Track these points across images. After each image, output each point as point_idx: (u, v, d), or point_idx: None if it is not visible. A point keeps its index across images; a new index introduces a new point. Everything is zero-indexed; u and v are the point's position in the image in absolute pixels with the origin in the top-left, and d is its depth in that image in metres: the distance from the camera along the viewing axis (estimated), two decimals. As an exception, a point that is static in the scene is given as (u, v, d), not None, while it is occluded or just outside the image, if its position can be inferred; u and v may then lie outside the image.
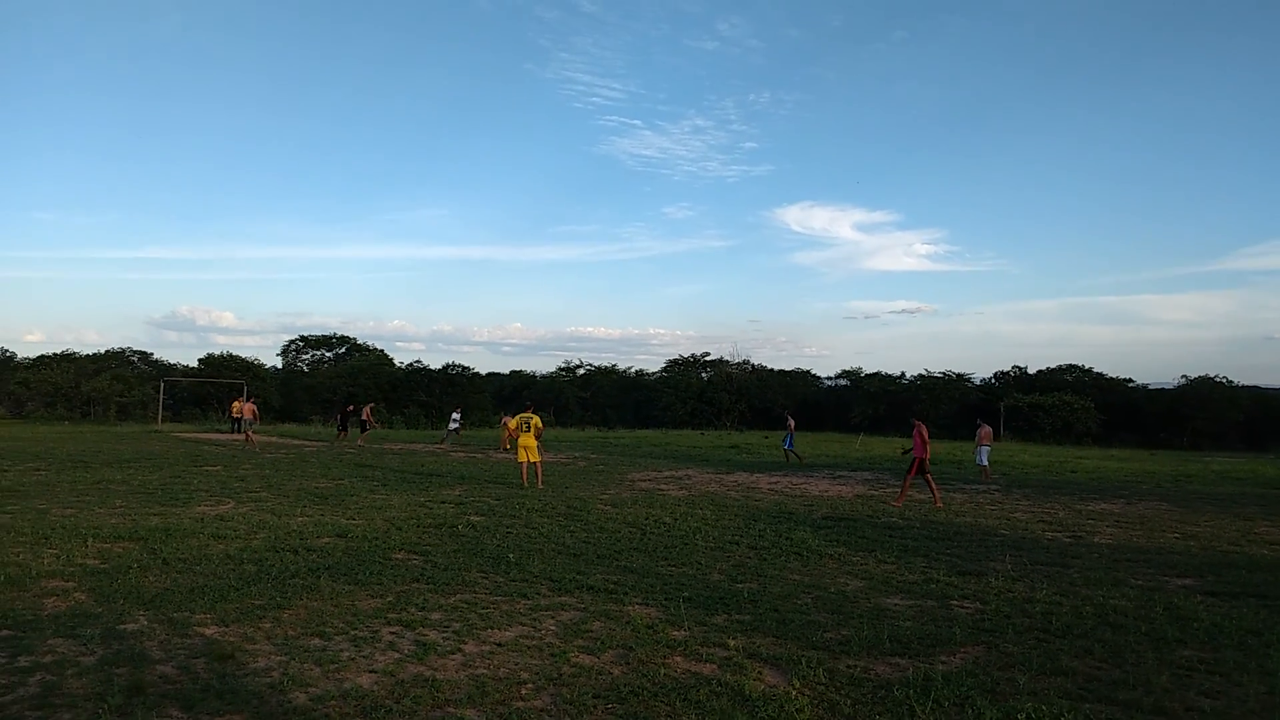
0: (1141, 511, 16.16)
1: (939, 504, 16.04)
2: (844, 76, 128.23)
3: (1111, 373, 66.99)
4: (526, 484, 17.49)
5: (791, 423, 29.46)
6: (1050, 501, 17.57)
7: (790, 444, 28.37)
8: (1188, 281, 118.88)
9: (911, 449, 16.69)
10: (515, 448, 18.35)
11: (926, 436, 16.66)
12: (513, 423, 18.36)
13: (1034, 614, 7.66)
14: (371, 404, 40.13)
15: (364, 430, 34.25)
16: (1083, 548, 11.68)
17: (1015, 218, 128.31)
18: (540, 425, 18.28)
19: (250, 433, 31.09)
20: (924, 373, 68.81)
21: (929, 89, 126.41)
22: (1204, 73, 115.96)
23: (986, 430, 24.10)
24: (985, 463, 23.39)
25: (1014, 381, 67.23)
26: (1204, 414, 58.98)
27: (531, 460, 17.75)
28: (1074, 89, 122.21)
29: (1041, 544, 11.91)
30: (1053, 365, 68.31)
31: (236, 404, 38.75)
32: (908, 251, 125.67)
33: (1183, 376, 63.02)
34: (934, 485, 16.62)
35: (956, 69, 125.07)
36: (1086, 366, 67.45)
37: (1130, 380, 66.09)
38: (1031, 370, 68.29)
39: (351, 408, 35.70)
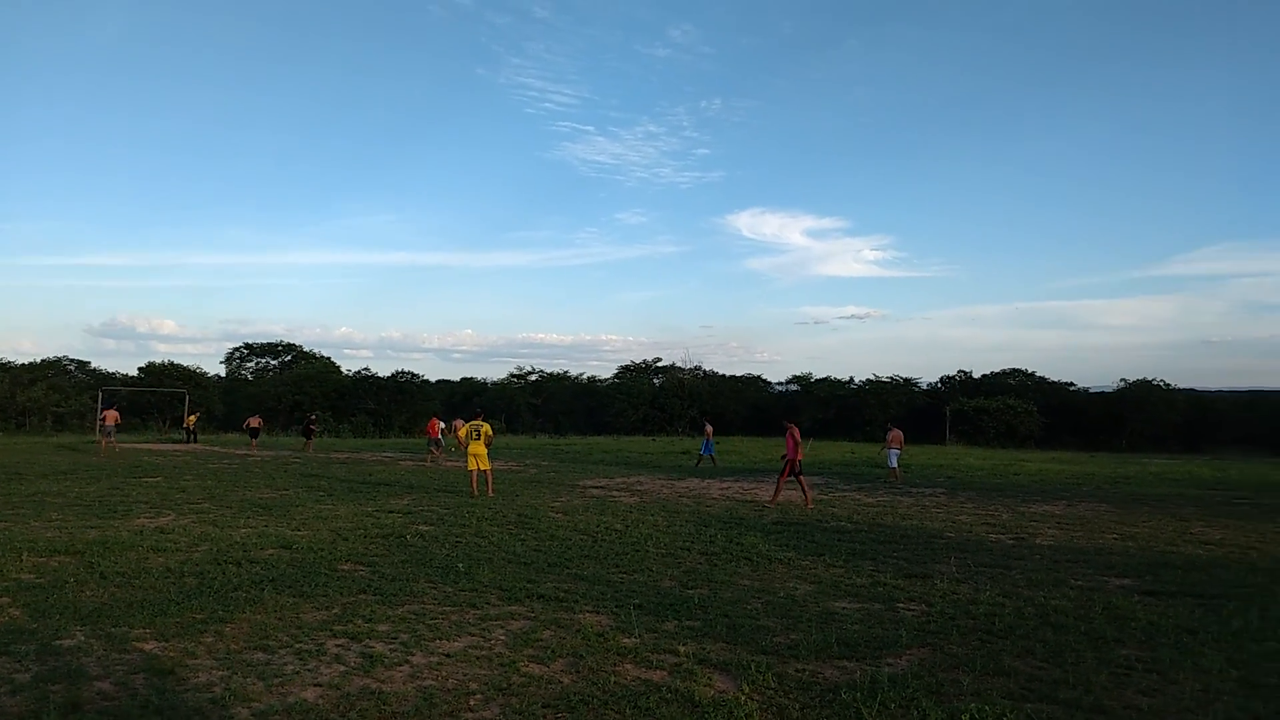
0: (1082, 513, 16.52)
1: (810, 505, 16.56)
2: (795, 84, 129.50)
3: (1054, 377, 68.39)
4: (476, 493, 17.36)
5: (709, 429, 30.22)
6: (994, 504, 17.88)
7: (709, 449, 28.94)
8: (1129, 287, 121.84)
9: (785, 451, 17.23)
10: (465, 455, 18.23)
11: (799, 438, 17.17)
12: (463, 430, 18.24)
13: (978, 615, 7.78)
14: (314, 413, 39.80)
15: (308, 439, 33.91)
16: (1025, 549, 11.91)
17: (962, 225, 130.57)
18: (490, 433, 18.18)
19: (106, 440, 31.22)
20: (872, 377, 69.55)
21: (879, 97, 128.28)
22: (1146, 80, 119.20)
23: (896, 433, 24.96)
24: (895, 465, 24.28)
25: (960, 386, 68.25)
26: (1142, 416, 60.41)
27: (481, 468, 17.63)
28: (1018, 98, 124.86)
29: (985, 546, 12.12)
30: (997, 370, 69.49)
31: (192, 418, 38.17)
32: (857, 258, 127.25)
33: (1122, 380, 64.45)
34: (806, 486, 17.07)
35: (906, 77, 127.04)
36: (1030, 370, 68.75)
37: (1072, 384, 67.50)
38: (977, 374, 69.39)
39: (314, 416, 35.48)
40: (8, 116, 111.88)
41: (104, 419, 32.14)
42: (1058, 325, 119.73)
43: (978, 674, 6.06)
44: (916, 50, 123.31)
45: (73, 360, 66.24)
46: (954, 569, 10.16)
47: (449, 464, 26.61)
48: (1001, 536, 13.15)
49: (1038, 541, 12.66)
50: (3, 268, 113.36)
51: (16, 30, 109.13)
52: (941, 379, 70.83)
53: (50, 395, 53.52)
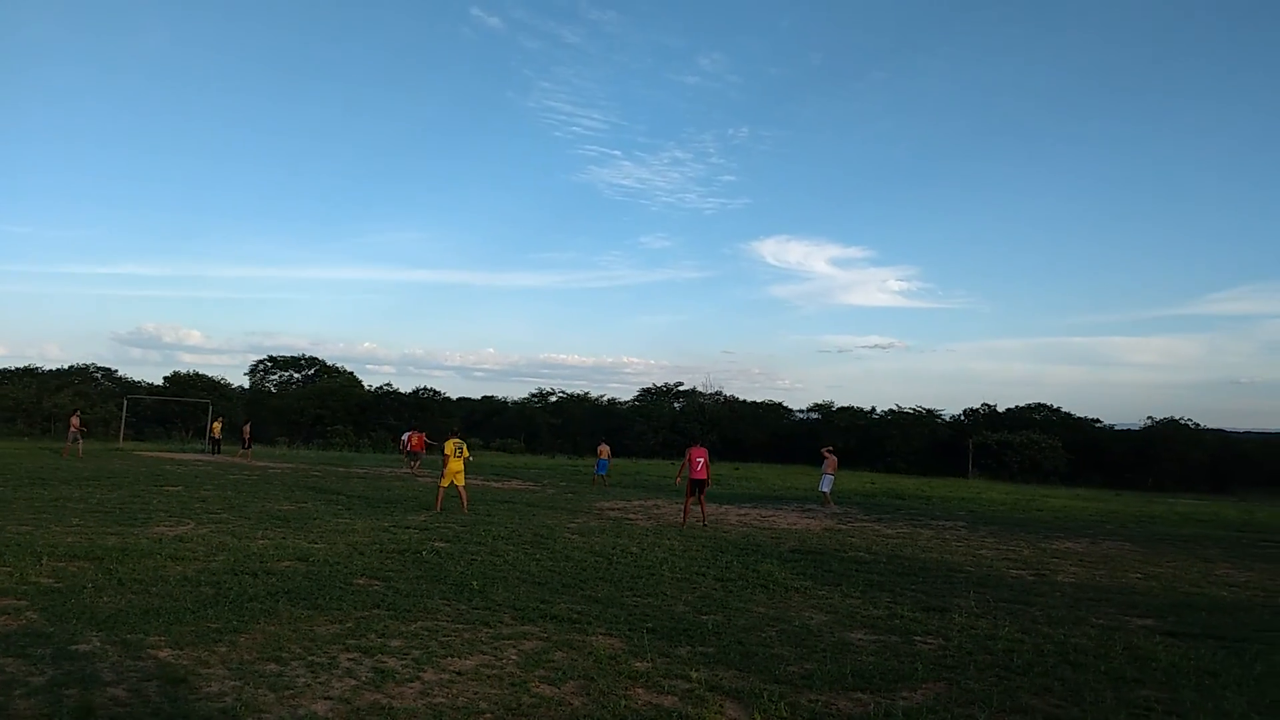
0: (1105, 551, 16.29)
1: (704, 523, 17.15)
2: (822, 114, 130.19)
3: (1079, 413, 67.73)
4: (440, 509, 17.47)
5: (605, 448, 30.49)
6: (1015, 539, 17.67)
7: (602, 469, 29.40)
8: (1156, 325, 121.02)
9: (683, 473, 17.79)
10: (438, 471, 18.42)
11: (706, 460, 17.60)
12: (449, 447, 18.37)
13: (996, 651, 7.68)
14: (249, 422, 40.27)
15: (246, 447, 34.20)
16: (1046, 586, 11.75)
17: (987, 257, 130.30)
18: (467, 452, 18.51)
19: (71, 444, 31.60)
20: (894, 408, 69.20)
21: (905, 128, 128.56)
22: (1177, 120, 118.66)
23: (833, 460, 25.28)
24: (826, 490, 24.59)
25: (983, 419, 67.72)
26: (1169, 456, 59.61)
27: (458, 484, 17.80)
28: (1046, 132, 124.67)
29: (1005, 581, 11.97)
30: (1022, 404, 68.96)
31: (217, 424, 38.48)
32: (881, 287, 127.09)
33: (1149, 418, 63.74)
34: (704, 507, 17.61)
35: (932, 110, 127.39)
36: (1055, 406, 68.14)
37: (1098, 420, 66.85)
38: (1001, 408, 68.86)
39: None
40: (47, 125, 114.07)
41: (72, 426, 32.53)
42: (1083, 361, 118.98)
43: (994, 711, 5.97)
44: (942, 82, 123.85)
45: (100, 368, 67.25)
46: (973, 603, 10.03)
47: (425, 479, 26.63)
48: (1022, 572, 12.99)
49: (1059, 578, 12.49)
50: (35, 274, 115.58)
51: (56, 41, 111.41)
52: (965, 412, 70.36)
53: (76, 401, 54.04)
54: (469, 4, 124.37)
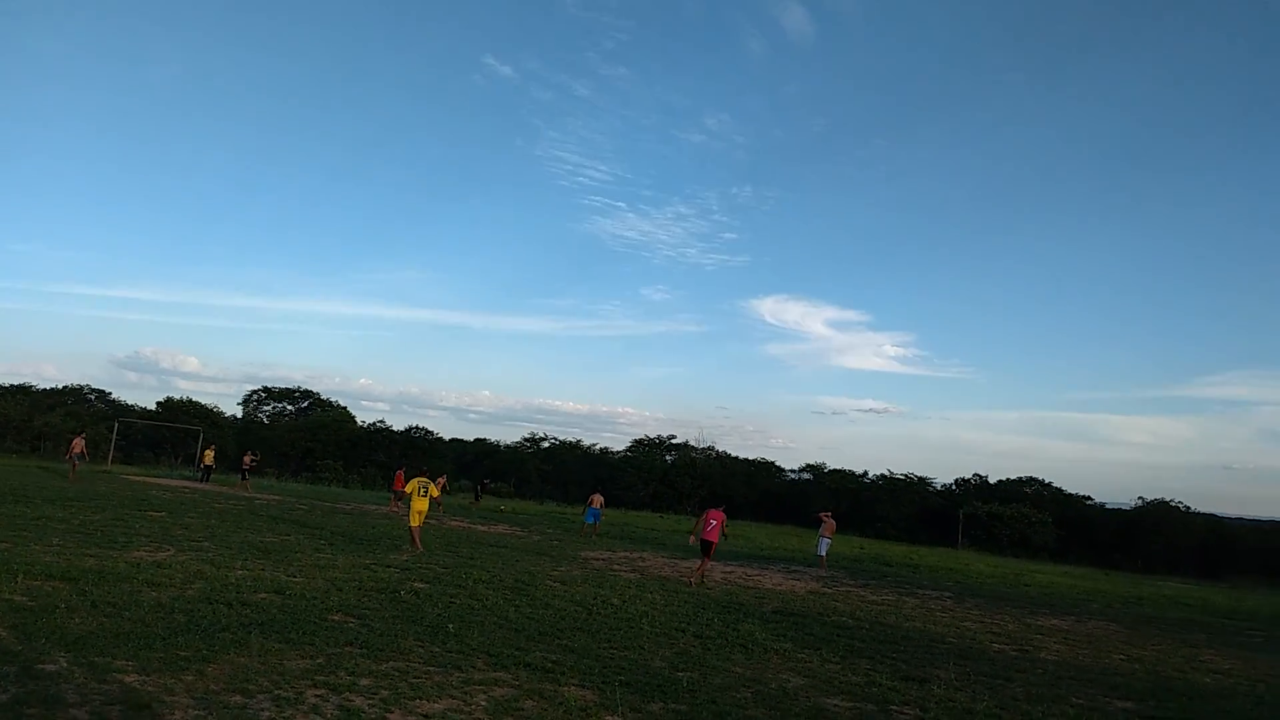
0: (1090, 630, 16.16)
1: (694, 582, 16.92)
2: (824, 177, 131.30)
3: (1070, 488, 67.30)
4: (420, 549, 17.48)
5: (599, 498, 30.25)
6: (1001, 613, 17.53)
7: (595, 518, 29.38)
8: (1150, 405, 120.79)
9: (697, 531, 17.76)
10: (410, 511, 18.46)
11: (720, 523, 17.52)
12: (411, 486, 18.44)
13: (972, 725, 7.59)
14: (253, 451, 40.20)
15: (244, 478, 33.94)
16: (1028, 662, 11.64)
17: (983, 328, 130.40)
18: (436, 492, 18.78)
19: (77, 465, 32.16)
20: (886, 473, 68.88)
21: (905, 196, 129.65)
22: (1175, 205, 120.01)
23: (830, 524, 25.52)
24: (823, 553, 24.63)
25: (974, 489, 67.37)
26: (1159, 537, 59.18)
27: (412, 524, 17.94)
28: (1046, 210, 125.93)
29: (988, 655, 11.86)
30: (1013, 476, 68.53)
31: (209, 452, 38.34)
32: (877, 352, 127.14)
33: (1140, 498, 63.38)
34: (704, 566, 17.52)
35: (932, 178, 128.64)
36: (1046, 480, 67.76)
37: (1089, 497, 66.42)
38: (992, 479, 68.50)
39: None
40: (51, 146, 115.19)
41: (73, 448, 32.88)
42: (1076, 436, 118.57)
43: (966, 785, 5.89)
44: (943, 152, 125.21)
45: (94, 390, 67.14)
46: (953, 675, 9.93)
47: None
48: (1005, 647, 12.87)
49: (1042, 655, 12.38)
50: (34, 293, 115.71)
51: (68, 63, 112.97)
52: (956, 481, 69.98)
53: (68, 422, 53.82)
54: (482, 52, 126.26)
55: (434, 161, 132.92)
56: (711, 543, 17.40)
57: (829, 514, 25.97)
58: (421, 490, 18.20)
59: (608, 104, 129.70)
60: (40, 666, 6.40)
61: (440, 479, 37.09)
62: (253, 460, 37.10)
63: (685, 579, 17.26)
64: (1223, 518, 64.43)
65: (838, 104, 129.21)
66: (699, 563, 17.80)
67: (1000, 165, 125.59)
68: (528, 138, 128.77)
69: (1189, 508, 61.89)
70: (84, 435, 35.08)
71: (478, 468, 64.73)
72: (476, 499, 40.29)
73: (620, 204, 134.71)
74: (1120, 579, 37.59)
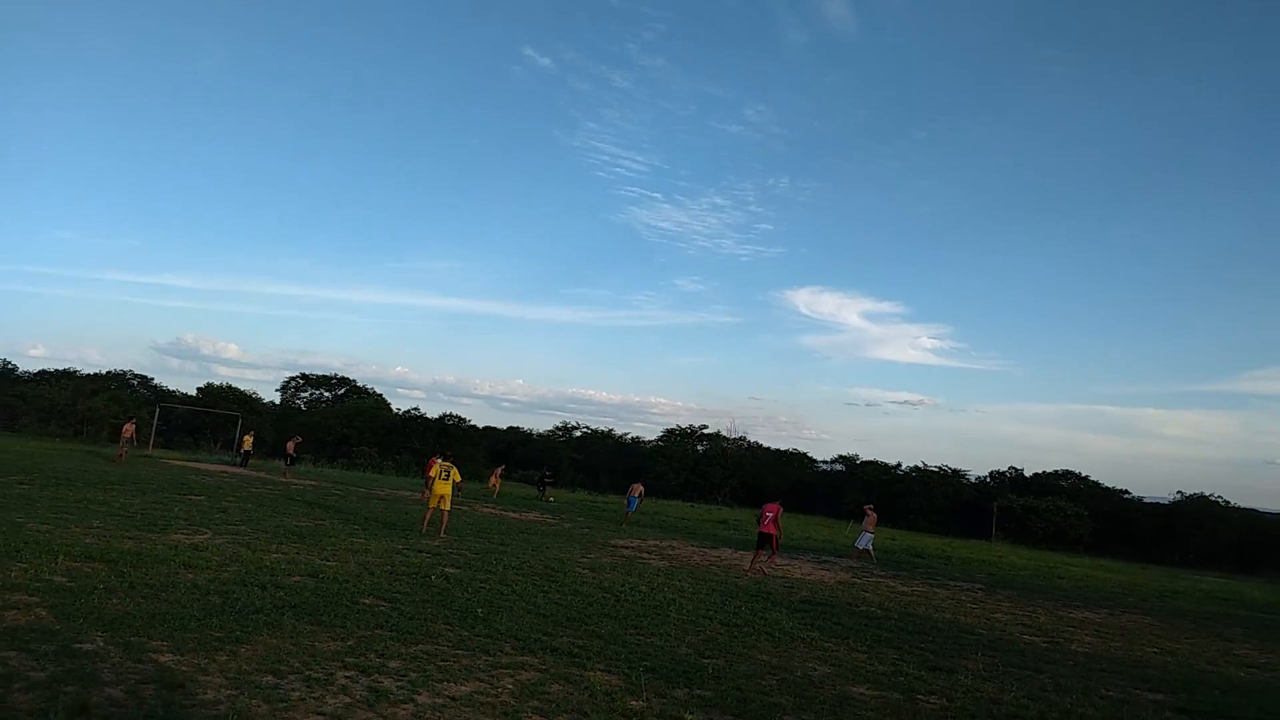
0: (1123, 623, 15.98)
1: (752, 572, 17.35)
2: (863, 170, 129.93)
3: (1108, 482, 66.45)
4: (426, 530, 17.63)
5: (640, 488, 30.73)
6: (1033, 605, 17.38)
7: (633, 506, 29.74)
8: (1190, 399, 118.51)
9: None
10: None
11: (775, 516, 17.78)
12: (433, 470, 18.47)
13: (999, 715, 7.56)
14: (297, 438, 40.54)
15: (289, 465, 34.61)
16: (1059, 653, 11.54)
17: (1021, 320, 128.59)
18: (459, 477, 18.67)
19: (125, 451, 32.82)
20: (920, 465, 68.32)
21: (944, 188, 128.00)
22: (1221, 197, 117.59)
23: (873, 517, 24.89)
24: (866, 547, 24.05)
25: (1009, 482, 66.69)
26: (1198, 532, 58.27)
27: (442, 508, 17.88)
28: (1085, 199, 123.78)
29: (1017, 646, 11.78)
30: (1049, 469, 67.77)
31: (248, 437, 38.94)
32: (913, 344, 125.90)
33: (1179, 492, 62.43)
34: (757, 557, 18.01)
35: (972, 171, 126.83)
36: (1083, 474, 66.87)
37: (1126, 491, 65.53)
38: (1028, 473, 67.74)
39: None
40: (100, 137, 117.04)
41: (126, 433, 33.59)
42: (1114, 431, 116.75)
43: (990, 775, 5.87)
44: (982, 145, 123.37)
45: (136, 375, 68.34)
46: (981, 666, 9.88)
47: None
48: (1036, 638, 12.77)
49: (1073, 647, 12.27)
50: (81, 280, 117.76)
51: (125, 61, 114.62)
52: (991, 474, 69.30)
53: (110, 407, 54.81)
54: (521, 43, 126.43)
55: (472, 152, 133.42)
56: (769, 535, 17.56)
57: (871, 506, 25.38)
58: (443, 474, 18.10)
59: (646, 95, 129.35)
60: (78, 645, 6.56)
61: (499, 469, 37.41)
62: (297, 448, 37.41)
63: (746, 571, 17.58)
64: (1263, 513, 63.28)
65: (878, 95, 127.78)
66: (753, 554, 18.16)
67: (1041, 157, 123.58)
68: (566, 128, 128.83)
69: (1229, 502, 60.89)
70: (134, 420, 35.74)
71: (510, 456, 65.09)
72: (541, 492, 40.24)
73: (656, 194, 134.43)
74: (1157, 573, 37.11)
